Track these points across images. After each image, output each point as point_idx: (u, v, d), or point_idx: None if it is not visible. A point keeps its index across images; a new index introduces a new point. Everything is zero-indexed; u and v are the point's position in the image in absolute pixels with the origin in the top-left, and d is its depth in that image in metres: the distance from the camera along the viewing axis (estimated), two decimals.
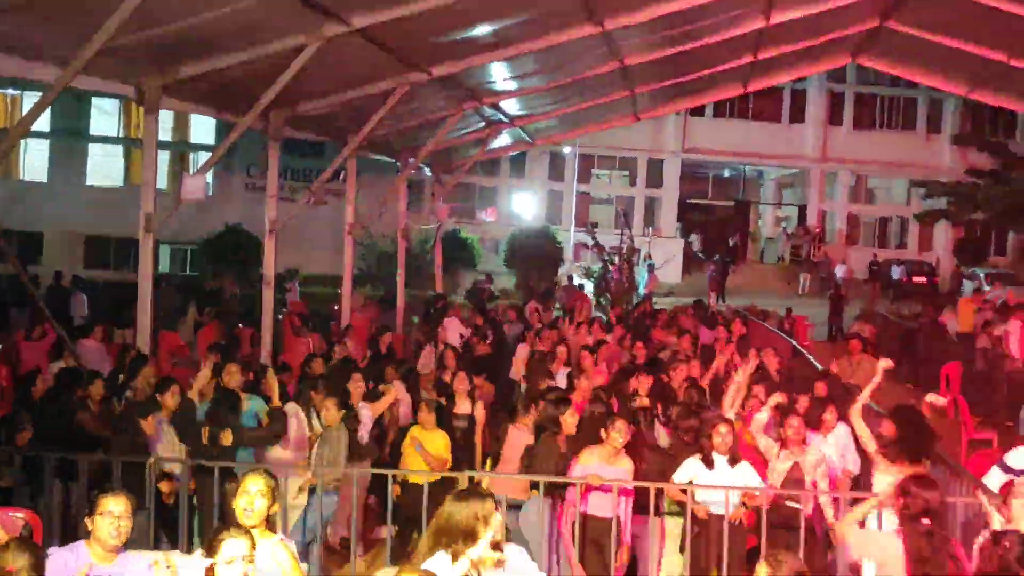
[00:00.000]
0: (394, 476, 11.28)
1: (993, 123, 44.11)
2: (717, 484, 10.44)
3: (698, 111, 54.26)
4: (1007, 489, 9.01)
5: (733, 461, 10.70)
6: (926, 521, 7.34)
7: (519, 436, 12.06)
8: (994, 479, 10.36)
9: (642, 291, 38.38)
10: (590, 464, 10.50)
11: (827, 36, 23.81)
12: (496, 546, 6.46)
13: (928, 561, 7.21)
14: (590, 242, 38.81)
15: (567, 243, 50.72)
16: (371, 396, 13.50)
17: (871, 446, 10.53)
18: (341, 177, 30.77)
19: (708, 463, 10.66)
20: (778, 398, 12.06)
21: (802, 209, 59.95)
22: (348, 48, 15.42)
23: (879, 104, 57.54)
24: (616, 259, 37.69)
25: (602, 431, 10.75)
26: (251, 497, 7.29)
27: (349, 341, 19.10)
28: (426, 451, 12.11)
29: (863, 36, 24.21)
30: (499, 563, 6.52)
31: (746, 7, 19.46)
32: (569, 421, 11.66)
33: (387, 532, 11.04)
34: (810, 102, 56.91)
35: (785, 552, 6.57)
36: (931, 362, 24.08)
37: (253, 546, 6.52)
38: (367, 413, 12.96)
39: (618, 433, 10.56)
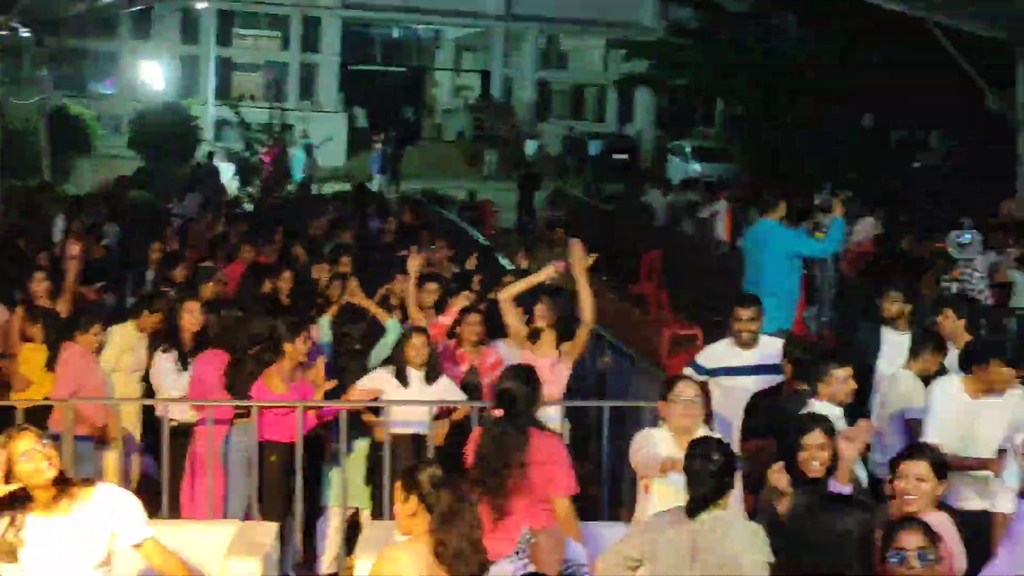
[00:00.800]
0: None
1: None
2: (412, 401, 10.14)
3: None
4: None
5: (432, 376, 10.37)
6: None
7: None
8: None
9: (298, 177, 37.60)
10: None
11: None
12: None
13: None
14: (234, 118, 38.51)
15: (206, 120, 46.81)
16: None
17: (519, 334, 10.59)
18: None
19: (402, 379, 10.29)
20: (464, 300, 12.02)
21: (485, 76, 58.32)
22: None
23: None
24: (266, 138, 37.26)
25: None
26: None
27: None
28: None
29: None
30: None
31: None
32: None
33: None
34: None
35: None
36: (631, 250, 24.23)
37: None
38: None
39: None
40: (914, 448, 7.36)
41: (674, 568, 6.29)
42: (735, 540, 6.20)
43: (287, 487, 9.75)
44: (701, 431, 7.59)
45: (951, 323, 10.80)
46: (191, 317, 11.11)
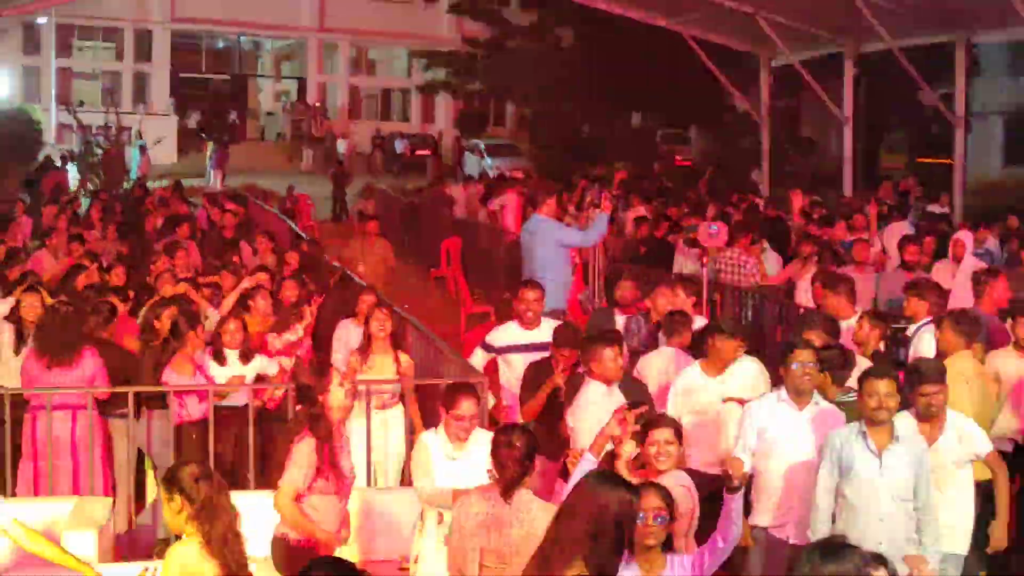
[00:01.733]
0: None
1: None
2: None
3: None
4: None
5: (246, 357, 10.26)
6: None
7: None
8: (477, 358, 10.39)
9: (134, 174, 35.44)
10: None
11: None
12: None
13: None
14: (74, 122, 36.01)
15: (48, 124, 44.45)
16: None
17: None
18: None
19: (219, 359, 10.21)
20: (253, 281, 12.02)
21: (302, 83, 57.60)
22: None
23: None
24: (103, 140, 34.95)
25: None
26: None
27: None
28: None
29: None
30: None
31: None
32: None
33: None
34: None
35: None
36: (433, 237, 23.71)
37: None
38: None
39: None
40: (659, 417, 7.30)
41: (486, 542, 6.13)
42: (537, 518, 5.99)
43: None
44: (477, 435, 7.34)
45: (680, 300, 10.79)
46: (29, 308, 10.71)
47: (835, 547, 4.49)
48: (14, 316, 10.81)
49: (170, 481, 5.74)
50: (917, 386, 7.56)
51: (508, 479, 6.18)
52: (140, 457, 9.88)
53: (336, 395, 7.08)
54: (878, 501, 7.03)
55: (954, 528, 7.51)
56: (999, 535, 7.63)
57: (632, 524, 5.20)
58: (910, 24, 21.87)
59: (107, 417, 9.61)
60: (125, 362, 9.96)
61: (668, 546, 6.01)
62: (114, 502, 8.66)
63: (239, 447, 9.50)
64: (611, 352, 8.37)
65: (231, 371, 9.95)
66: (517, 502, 6.18)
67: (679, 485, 6.64)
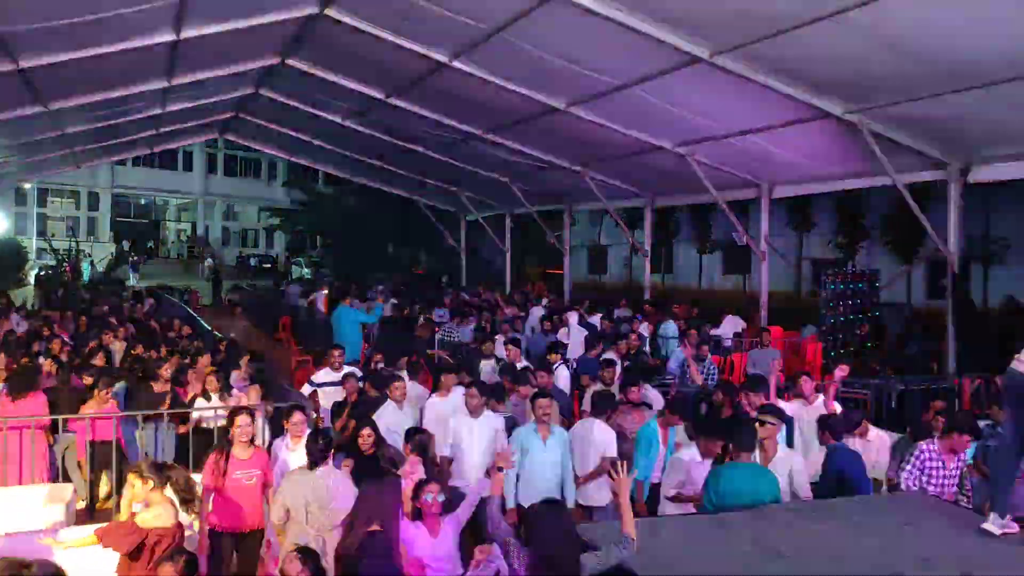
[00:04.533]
0: None
1: (305, 172, 40.15)
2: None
3: (122, 162, 47.21)
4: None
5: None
6: None
7: None
8: (306, 389, 9.42)
9: (86, 279, 33.71)
10: None
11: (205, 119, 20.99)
12: None
13: None
14: (48, 247, 35.82)
15: (32, 248, 42.16)
16: None
17: None
18: None
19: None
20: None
21: (194, 225, 56.36)
22: None
23: (239, 161, 55.04)
24: (67, 258, 34.30)
25: None
26: None
27: None
28: None
29: (229, 118, 21.48)
30: None
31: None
32: None
33: None
34: (195, 158, 53.47)
35: None
36: (274, 316, 21.74)
37: None
38: None
39: None
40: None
41: (302, 505, 5.55)
42: (336, 483, 5.66)
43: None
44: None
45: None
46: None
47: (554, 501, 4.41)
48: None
49: (136, 471, 5.11)
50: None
51: (313, 459, 5.72)
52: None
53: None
54: (544, 470, 6.68)
55: None
56: None
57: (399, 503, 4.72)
58: (539, 198, 22.07)
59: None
60: (59, 397, 8.45)
61: (449, 510, 5.36)
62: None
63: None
64: (400, 384, 7.85)
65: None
66: (322, 475, 5.68)
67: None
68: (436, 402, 8.11)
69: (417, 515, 5.30)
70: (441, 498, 5.27)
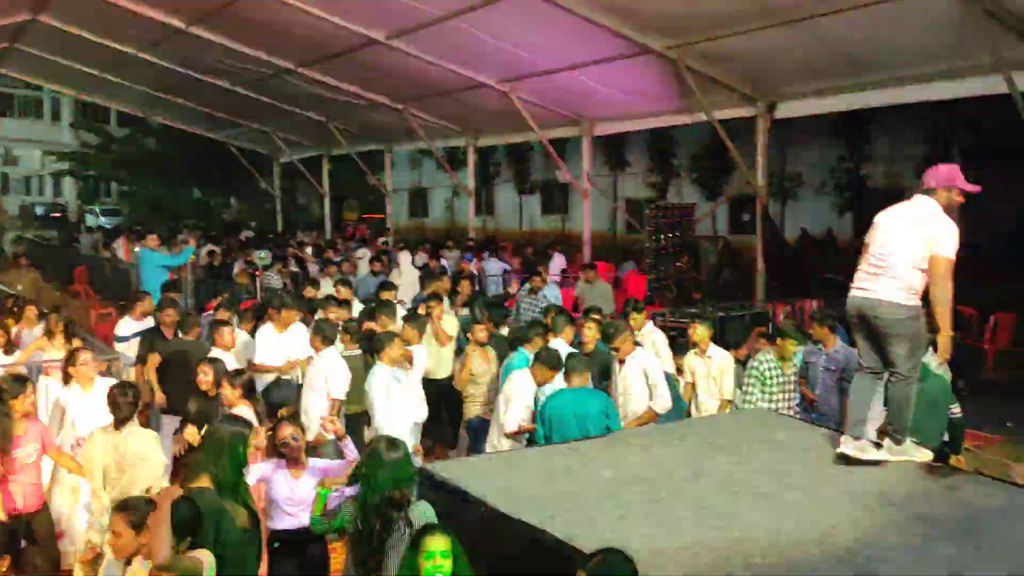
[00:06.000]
0: None
1: (95, 111, 38.52)
2: None
3: None
4: None
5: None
6: None
7: None
8: (120, 348, 8.62)
9: None
10: None
11: None
12: None
13: None
14: None
15: None
16: None
17: None
18: None
19: None
20: None
21: None
22: None
23: (16, 100, 48.64)
24: None
25: None
26: None
27: None
28: None
29: (3, 49, 19.48)
30: None
31: None
32: None
33: None
34: None
35: None
36: (70, 267, 20.33)
37: None
38: None
39: None
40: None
41: (100, 467, 5.29)
42: (142, 443, 5.37)
43: None
44: (100, 384, 6.28)
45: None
46: None
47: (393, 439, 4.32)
48: None
49: None
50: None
51: (122, 417, 5.42)
52: None
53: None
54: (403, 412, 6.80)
55: None
56: None
57: (247, 447, 4.36)
58: (359, 139, 21.79)
59: None
60: None
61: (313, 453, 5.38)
62: None
63: None
64: (228, 328, 7.69)
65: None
66: (126, 433, 5.40)
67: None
68: (273, 337, 7.97)
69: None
70: (297, 440, 5.00)
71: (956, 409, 5.95)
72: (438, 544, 3.55)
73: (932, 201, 4.56)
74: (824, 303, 9.93)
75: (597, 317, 7.83)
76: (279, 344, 7.98)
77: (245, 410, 5.71)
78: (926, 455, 4.71)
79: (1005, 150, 15.53)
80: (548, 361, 6.26)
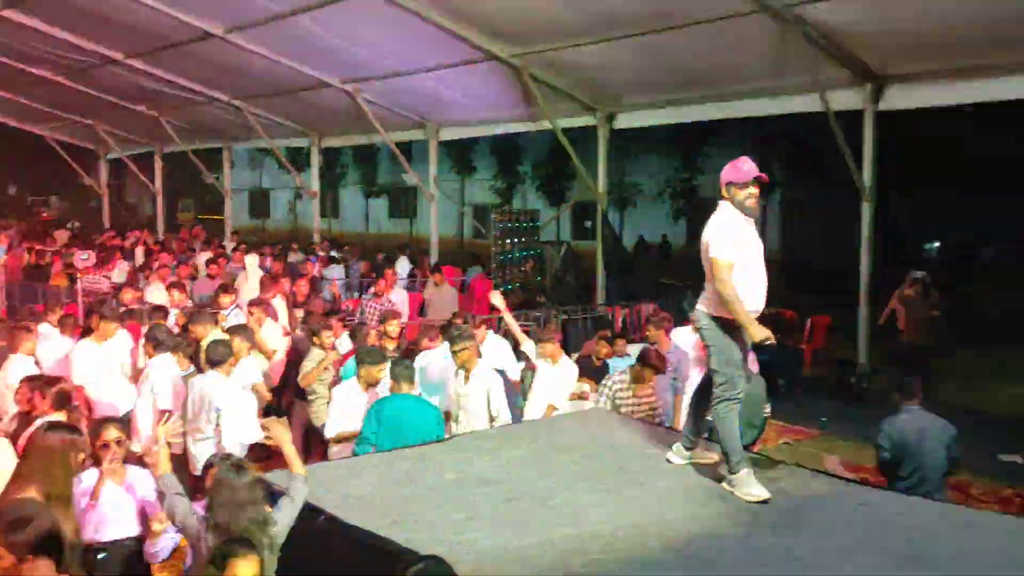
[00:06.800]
0: None
1: None
2: None
3: None
4: None
5: None
6: None
7: None
8: None
9: None
10: None
11: None
12: None
13: None
14: None
15: None
16: None
17: None
18: None
19: None
20: None
21: None
22: None
23: None
24: None
25: None
26: None
27: None
28: None
29: None
30: None
31: None
32: None
33: None
34: None
35: None
36: None
37: None
38: None
39: None
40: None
41: None
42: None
43: None
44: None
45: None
46: None
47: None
48: None
49: None
50: None
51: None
52: None
53: None
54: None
55: None
56: None
57: (76, 454, 4.15)
58: (195, 135, 20.84)
59: None
60: None
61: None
62: None
63: None
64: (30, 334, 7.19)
65: None
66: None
67: None
68: (94, 348, 7.53)
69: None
70: (121, 443, 4.73)
71: (768, 409, 6.21)
72: (244, 571, 3.30)
73: (724, 204, 4.54)
74: (659, 306, 10.30)
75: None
76: (100, 356, 7.46)
77: (60, 418, 5.30)
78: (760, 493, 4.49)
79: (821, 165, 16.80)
80: (370, 358, 6.13)
